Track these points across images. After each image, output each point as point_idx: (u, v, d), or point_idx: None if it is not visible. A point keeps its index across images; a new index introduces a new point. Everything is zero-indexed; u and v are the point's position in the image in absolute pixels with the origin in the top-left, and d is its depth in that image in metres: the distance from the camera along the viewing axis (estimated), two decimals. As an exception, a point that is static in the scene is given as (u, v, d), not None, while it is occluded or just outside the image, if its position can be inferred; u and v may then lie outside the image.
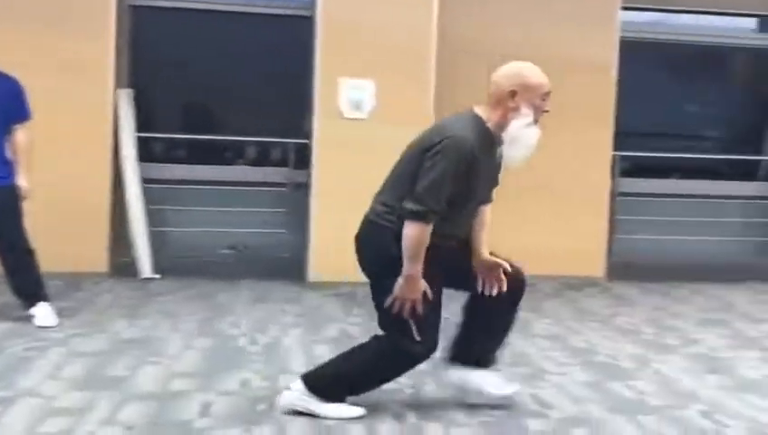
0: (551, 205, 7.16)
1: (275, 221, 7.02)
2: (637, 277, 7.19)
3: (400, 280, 3.14)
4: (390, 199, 3.23)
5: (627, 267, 7.31)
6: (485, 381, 3.52)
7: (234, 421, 3.26)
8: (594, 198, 7.23)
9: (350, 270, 3.57)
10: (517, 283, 3.40)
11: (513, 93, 3.20)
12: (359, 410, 3.34)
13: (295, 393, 3.34)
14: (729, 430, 3.38)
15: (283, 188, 7.00)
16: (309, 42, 6.68)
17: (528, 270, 3.51)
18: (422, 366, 3.41)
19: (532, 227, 7.11)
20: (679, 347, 4.85)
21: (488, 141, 3.23)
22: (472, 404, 3.53)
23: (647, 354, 4.63)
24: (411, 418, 3.39)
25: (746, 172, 8.19)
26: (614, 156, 7.35)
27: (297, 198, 6.84)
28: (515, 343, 4.76)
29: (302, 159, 6.85)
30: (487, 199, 3.44)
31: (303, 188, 6.75)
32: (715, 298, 6.53)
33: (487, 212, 3.45)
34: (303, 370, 3.56)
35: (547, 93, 3.24)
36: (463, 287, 3.43)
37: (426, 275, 3.15)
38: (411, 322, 3.18)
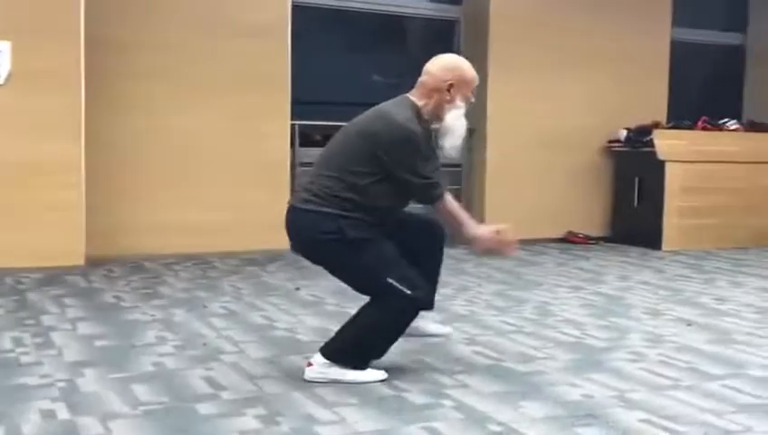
0: (227, 177, 7.00)
1: None
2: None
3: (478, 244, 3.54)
4: (328, 182, 3.42)
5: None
6: (427, 324, 4.05)
7: None
8: (274, 168, 7.16)
9: None
10: (437, 227, 3.84)
11: (450, 86, 3.49)
12: (381, 374, 3.51)
13: (316, 367, 3.48)
14: (409, 395, 3.41)
15: None
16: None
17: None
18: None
19: (208, 201, 6.90)
20: (361, 315, 4.91)
21: (426, 131, 3.48)
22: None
23: (328, 326, 4.61)
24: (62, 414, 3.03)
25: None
26: (293, 125, 7.33)
27: None
28: (191, 324, 4.54)
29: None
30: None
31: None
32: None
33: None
34: None
35: (476, 87, 3.56)
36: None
37: (376, 239, 3.43)
38: (392, 282, 3.38)
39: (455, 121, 3.52)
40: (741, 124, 8.60)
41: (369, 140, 3.42)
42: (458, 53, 8.36)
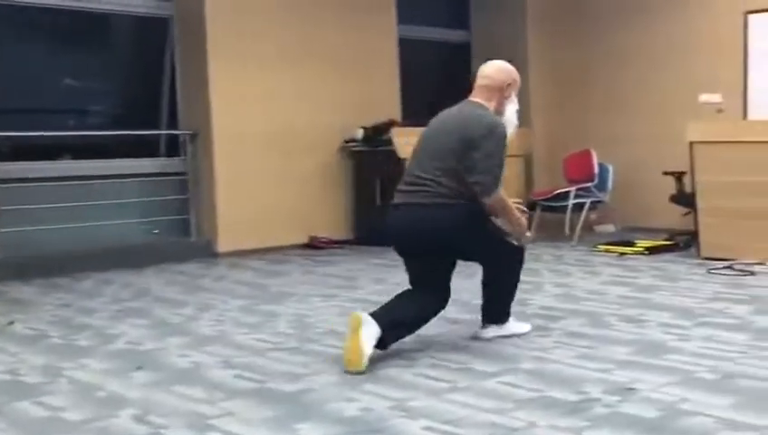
0: None
1: None
2: (33, 275, 6.65)
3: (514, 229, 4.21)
4: (447, 181, 4.01)
5: (18, 265, 6.67)
6: (515, 326, 4.45)
7: None
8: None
9: None
10: None
11: (507, 85, 4.19)
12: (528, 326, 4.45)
13: (491, 332, 4.32)
14: (167, 431, 3.08)
15: None
16: None
17: None
18: None
19: None
20: (96, 347, 4.44)
21: None
22: None
23: (57, 362, 4.11)
24: None
25: (145, 148, 8.11)
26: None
27: None
28: None
29: None
30: None
31: None
32: (127, 286, 6.30)
33: None
34: None
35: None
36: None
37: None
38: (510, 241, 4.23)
39: (513, 114, 4.23)
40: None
41: (468, 140, 3.97)
42: (173, 52, 8.03)
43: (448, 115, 4.22)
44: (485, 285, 4.36)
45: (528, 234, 4.38)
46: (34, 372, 3.95)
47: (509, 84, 4.20)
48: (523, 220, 4.27)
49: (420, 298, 4.18)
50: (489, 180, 3.98)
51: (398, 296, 4.21)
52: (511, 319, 4.42)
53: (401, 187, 4.19)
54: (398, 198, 4.18)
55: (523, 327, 4.46)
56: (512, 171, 8.61)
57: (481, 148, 3.96)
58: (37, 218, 7.06)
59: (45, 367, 4.04)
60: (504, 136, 4.08)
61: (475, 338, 4.35)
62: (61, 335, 4.72)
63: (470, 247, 4.17)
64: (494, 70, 4.23)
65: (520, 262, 4.35)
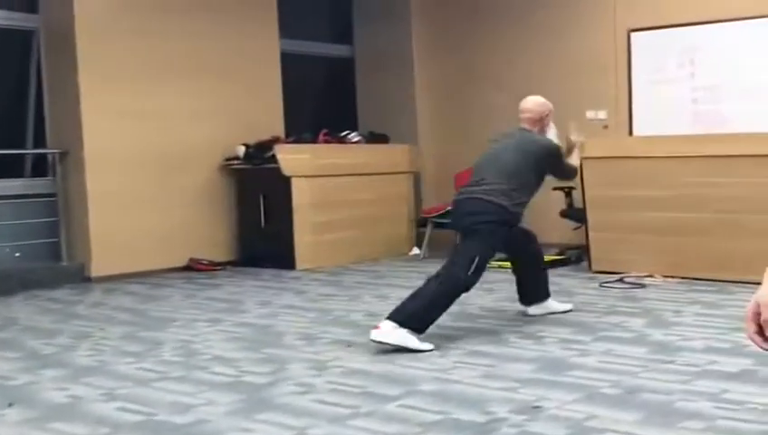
0: None
1: None
2: None
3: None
4: (510, 192, 4.91)
5: None
6: (553, 304, 5.37)
7: None
8: None
9: None
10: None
11: (546, 115, 5.26)
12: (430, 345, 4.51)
13: (385, 330, 4.45)
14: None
15: None
16: None
17: None
18: None
19: None
20: (-40, 382, 4.16)
21: None
22: None
23: None
24: None
25: (10, 168, 7.73)
26: None
27: None
28: None
29: None
30: None
31: None
32: (-8, 317, 5.96)
33: None
34: None
35: None
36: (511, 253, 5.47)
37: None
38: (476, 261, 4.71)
39: (554, 136, 5.28)
40: (362, 136, 8.92)
41: (533, 157, 5.04)
42: (39, 66, 7.70)
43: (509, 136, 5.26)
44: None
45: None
46: None
47: (546, 114, 5.26)
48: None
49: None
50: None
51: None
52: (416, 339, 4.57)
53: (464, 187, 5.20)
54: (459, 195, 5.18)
55: (425, 345, 4.51)
56: (401, 188, 8.75)
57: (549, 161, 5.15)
58: None
59: None
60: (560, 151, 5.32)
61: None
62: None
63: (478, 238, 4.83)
64: (533, 104, 5.28)
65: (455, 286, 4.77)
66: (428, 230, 8.32)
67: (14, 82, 7.85)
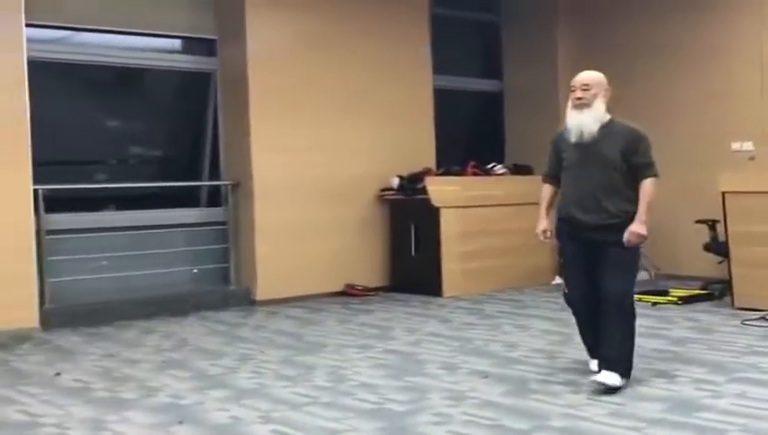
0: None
1: None
2: (78, 323, 6.81)
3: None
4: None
5: (66, 313, 6.84)
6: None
7: None
8: (16, 239, 6.56)
9: None
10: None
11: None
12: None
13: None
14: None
15: None
16: None
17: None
18: None
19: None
20: (139, 400, 4.55)
21: None
22: None
23: (102, 416, 4.22)
24: None
25: (187, 198, 8.29)
26: (36, 190, 6.77)
27: None
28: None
29: None
30: None
31: None
32: (169, 336, 6.40)
33: None
34: None
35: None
36: None
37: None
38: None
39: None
40: (507, 168, 9.03)
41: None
42: (215, 105, 8.24)
43: None
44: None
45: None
46: (81, 426, 4.05)
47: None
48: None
49: None
50: None
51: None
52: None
53: None
54: None
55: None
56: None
57: None
58: (84, 268, 7.25)
59: (90, 420, 4.14)
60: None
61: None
62: (105, 387, 4.82)
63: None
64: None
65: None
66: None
67: (194, 120, 8.42)
